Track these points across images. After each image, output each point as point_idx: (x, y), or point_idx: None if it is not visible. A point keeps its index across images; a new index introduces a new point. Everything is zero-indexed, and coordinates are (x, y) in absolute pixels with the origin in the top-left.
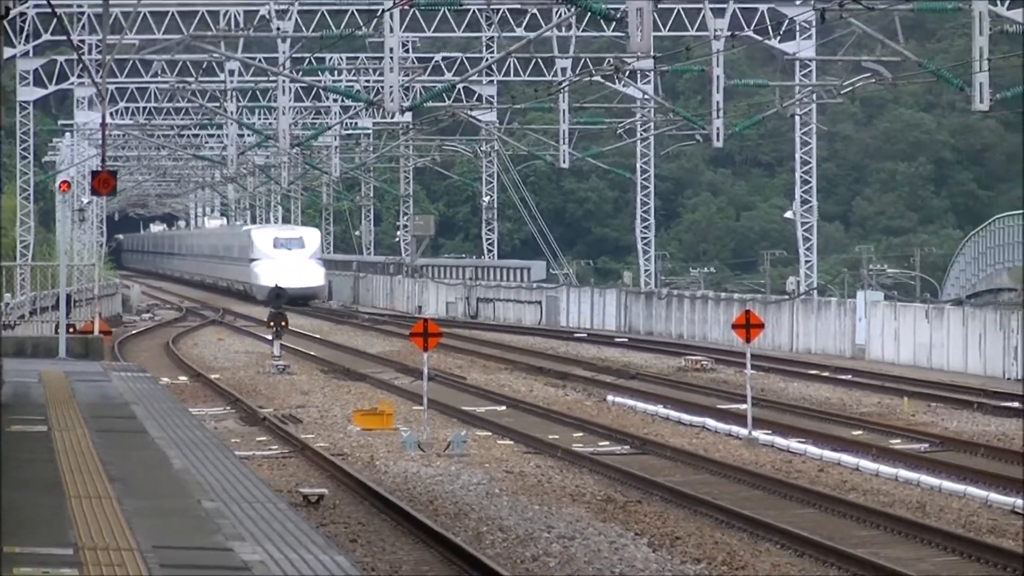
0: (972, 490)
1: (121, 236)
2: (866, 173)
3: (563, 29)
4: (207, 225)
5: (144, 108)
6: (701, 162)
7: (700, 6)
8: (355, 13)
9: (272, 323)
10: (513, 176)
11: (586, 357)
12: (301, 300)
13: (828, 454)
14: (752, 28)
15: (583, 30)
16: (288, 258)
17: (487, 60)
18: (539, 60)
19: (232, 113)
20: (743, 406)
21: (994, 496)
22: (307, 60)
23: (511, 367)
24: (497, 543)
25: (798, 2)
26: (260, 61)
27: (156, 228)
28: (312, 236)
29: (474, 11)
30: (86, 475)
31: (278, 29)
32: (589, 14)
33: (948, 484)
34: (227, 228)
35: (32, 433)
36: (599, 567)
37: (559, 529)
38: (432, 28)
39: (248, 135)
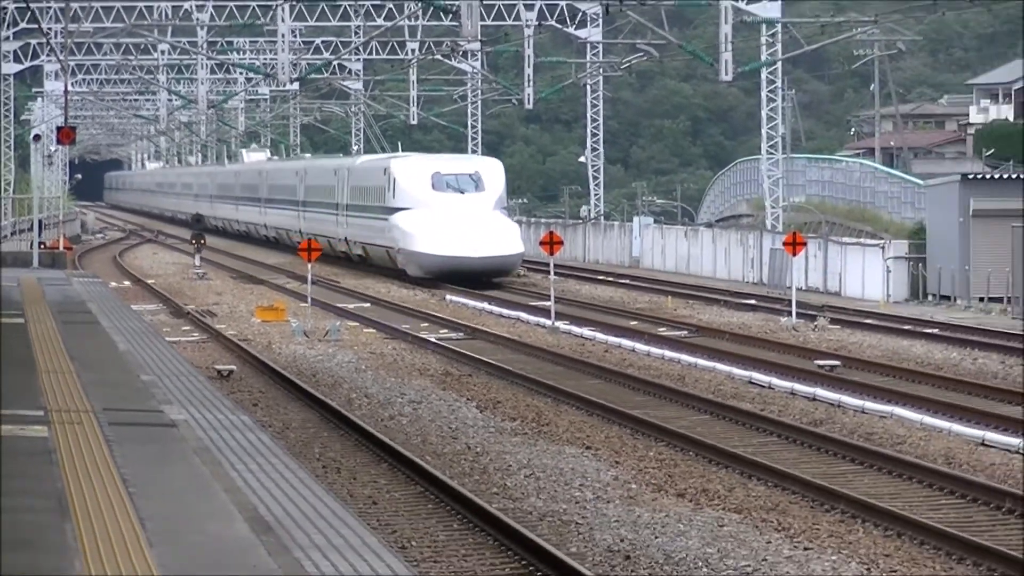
0: (719, 366)
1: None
2: (640, 128)
3: (413, 19)
4: (249, 159)
5: (97, 79)
6: (516, 120)
7: (515, 1)
8: (256, 8)
9: (194, 241)
10: (375, 130)
11: None
12: (482, 276)
13: (612, 339)
14: (554, 18)
15: (428, 20)
16: (460, 207)
17: (355, 43)
18: (394, 43)
19: (163, 83)
20: (548, 303)
21: (735, 370)
22: (219, 43)
23: (375, 274)
24: (363, 406)
25: None
26: (184, 43)
27: (153, 165)
28: (493, 171)
29: (345, 6)
30: (53, 355)
31: (197, 19)
32: (432, 8)
33: (701, 361)
34: (325, 159)
35: (12, 324)
36: (440, 423)
37: (410, 395)
38: (314, 18)
39: (175, 99)
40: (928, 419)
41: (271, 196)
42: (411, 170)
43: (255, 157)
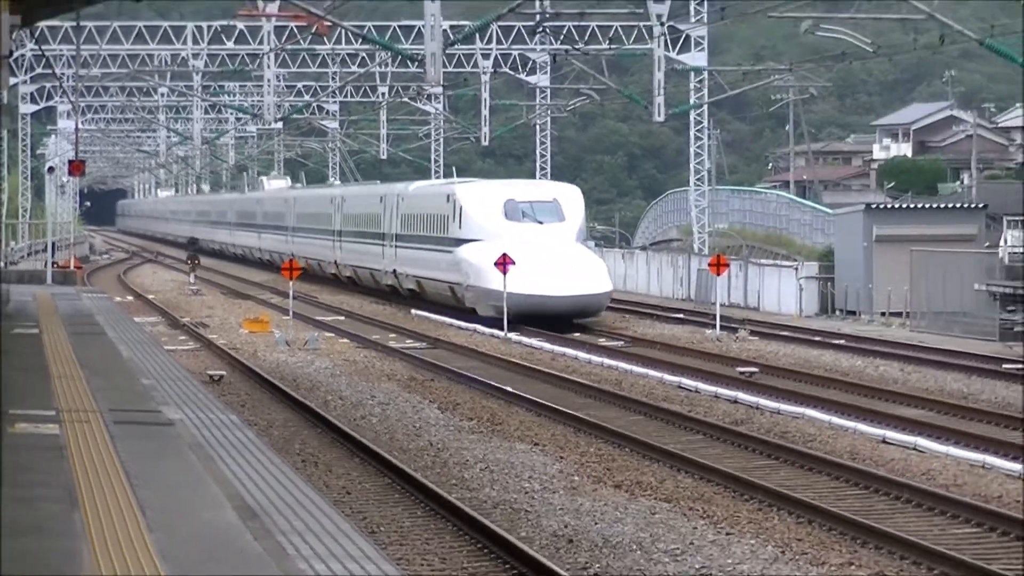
0: (652, 372)
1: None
2: (583, 163)
3: (383, 67)
4: (269, 186)
5: (104, 118)
6: (474, 155)
7: (473, 51)
8: (244, 56)
9: (189, 261)
10: (349, 164)
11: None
12: (567, 317)
13: (558, 348)
14: (508, 66)
15: (396, 67)
16: (539, 239)
17: (332, 87)
18: (367, 87)
19: (162, 121)
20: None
21: (666, 376)
22: (212, 87)
23: (349, 291)
24: (338, 407)
25: (538, 48)
26: (181, 87)
27: (165, 193)
28: (572, 198)
29: (323, 55)
30: (64, 362)
31: (193, 66)
32: (400, 57)
33: (636, 368)
34: (368, 186)
35: (28, 335)
36: (405, 422)
37: (379, 398)
38: (296, 65)
39: (173, 136)
40: (835, 419)
41: (300, 224)
42: (481, 197)
43: (276, 184)
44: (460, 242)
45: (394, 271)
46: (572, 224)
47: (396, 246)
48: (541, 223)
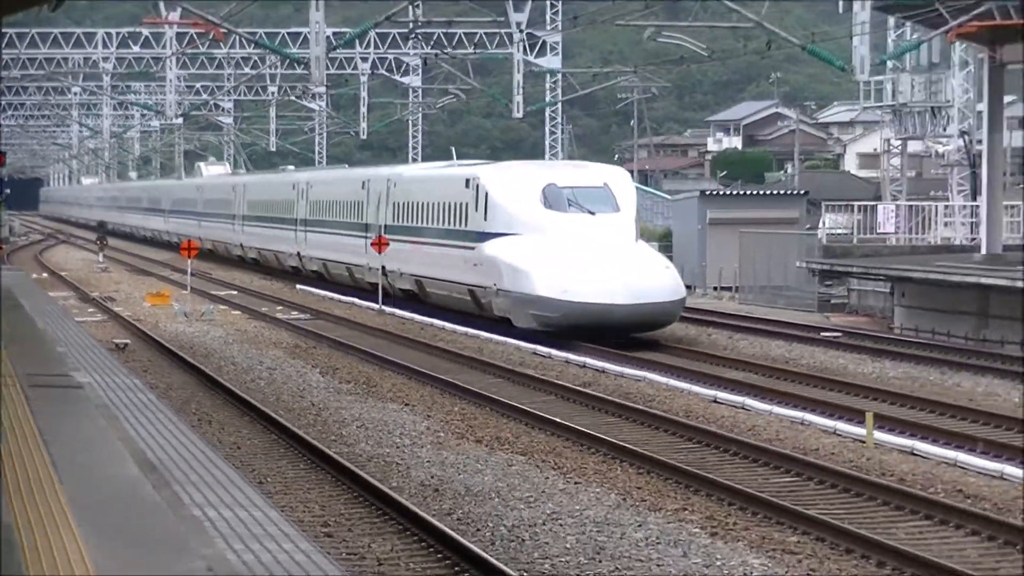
0: (509, 340)
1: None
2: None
3: (273, 69)
4: (208, 172)
5: (23, 114)
6: (353, 148)
7: (353, 54)
8: (149, 59)
9: (98, 241)
10: (243, 156)
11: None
12: (631, 330)
13: (426, 319)
14: (384, 68)
15: (284, 69)
16: (591, 233)
17: (227, 86)
18: (258, 87)
19: (75, 117)
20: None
21: (522, 344)
22: (120, 86)
23: (243, 268)
24: (230, 372)
25: (411, 52)
26: (92, 87)
27: (89, 180)
28: (623, 183)
29: (220, 58)
30: None
31: (103, 68)
32: (288, 60)
33: (496, 336)
34: (340, 170)
35: None
36: (290, 385)
37: (267, 363)
38: (195, 67)
39: (84, 131)
40: (672, 381)
41: (254, 213)
42: (513, 182)
43: (215, 171)
44: (485, 236)
45: (383, 268)
46: (628, 215)
47: (389, 240)
48: (592, 213)
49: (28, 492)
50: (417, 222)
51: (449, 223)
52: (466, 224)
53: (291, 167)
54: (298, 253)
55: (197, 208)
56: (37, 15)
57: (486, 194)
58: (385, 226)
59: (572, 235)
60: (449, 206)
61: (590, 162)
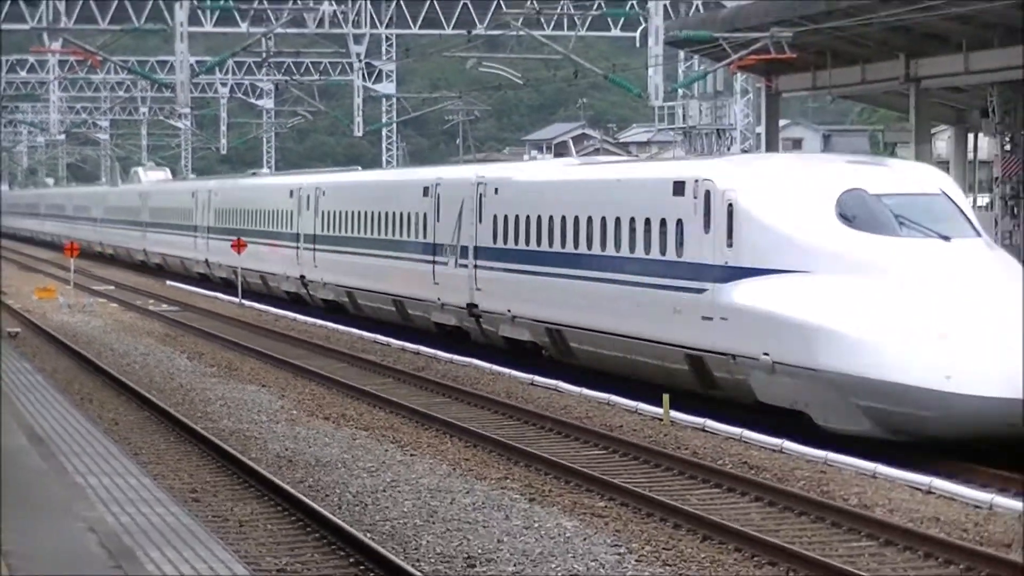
0: (353, 330)
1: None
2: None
3: (144, 91)
4: (147, 178)
5: None
6: (215, 161)
7: (214, 79)
8: (35, 83)
9: None
10: (118, 167)
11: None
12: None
13: (280, 311)
14: (241, 92)
15: (154, 92)
16: (953, 268)
17: (104, 107)
18: (131, 107)
19: None
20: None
21: (364, 333)
22: (9, 107)
23: (121, 267)
24: (109, 357)
25: (264, 78)
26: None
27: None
28: (953, 186)
29: (97, 82)
30: None
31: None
32: (157, 84)
33: (340, 327)
34: (413, 170)
35: None
36: (162, 369)
37: (141, 349)
38: (75, 89)
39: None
40: (496, 367)
41: (223, 224)
42: (785, 187)
43: (154, 176)
44: (728, 273)
45: (471, 305)
46: (989, 242)
47: (478, 266)
48: (947, 239)
49: None
50: (554, 245)
51: (639, 248)
52: (680, 251)
53: (265, 170)
54: (302, 277)
55: (141, 218)
56: None
57: (730, 205)
58: (476, 248)
59: (919, 276)
60: (639, 223)
61: (900, 159)
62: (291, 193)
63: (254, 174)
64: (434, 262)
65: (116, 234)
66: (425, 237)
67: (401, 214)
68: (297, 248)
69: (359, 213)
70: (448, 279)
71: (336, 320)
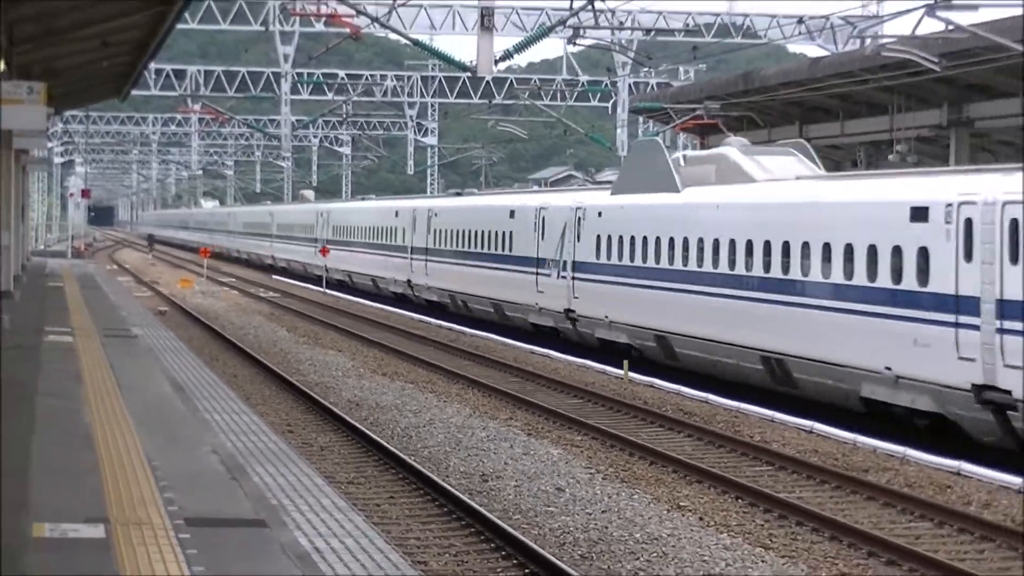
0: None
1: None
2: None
3: (257, 140)
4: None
5: (102, 167)
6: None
7: (308, 133)
8: (181, 134)
9: (149, 243)
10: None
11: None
12: None
13: (353, 299)
14: (327, 142)
15: (265, 141)
16: None
17: (229, 151)
18: (248, 152)
19: (134, 169)
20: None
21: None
22: (162, 151)
23: (238, 265)
24: (230, 328)
25: (344, 132)
26: (144, 150)
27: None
28: None
29: (224, 134)
30: (75, 303)
31: (152, 138)
32: (267, 135)
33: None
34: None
35: (56, 286)
36: (268, 337)
37: (253, 323)
38: (209, 139)
39: (141, 177)
40: (508, 340)
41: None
42: None
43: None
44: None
45: (567, 310)
46: None
47: (576, 277)
48: None
49: (99, 402)
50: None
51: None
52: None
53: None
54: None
55: (270, 231)
56: (113, 103)
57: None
58: (576, 262)
59: None
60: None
61: None
62: (397, 213)
63: (363, 199)
64: (537, 273)
65: (250, 243)
66: (530, 252)
67: (506, 232)
68: (409, 259)
69: (467, 232)
70: (549, 288)
71: (397, 306)
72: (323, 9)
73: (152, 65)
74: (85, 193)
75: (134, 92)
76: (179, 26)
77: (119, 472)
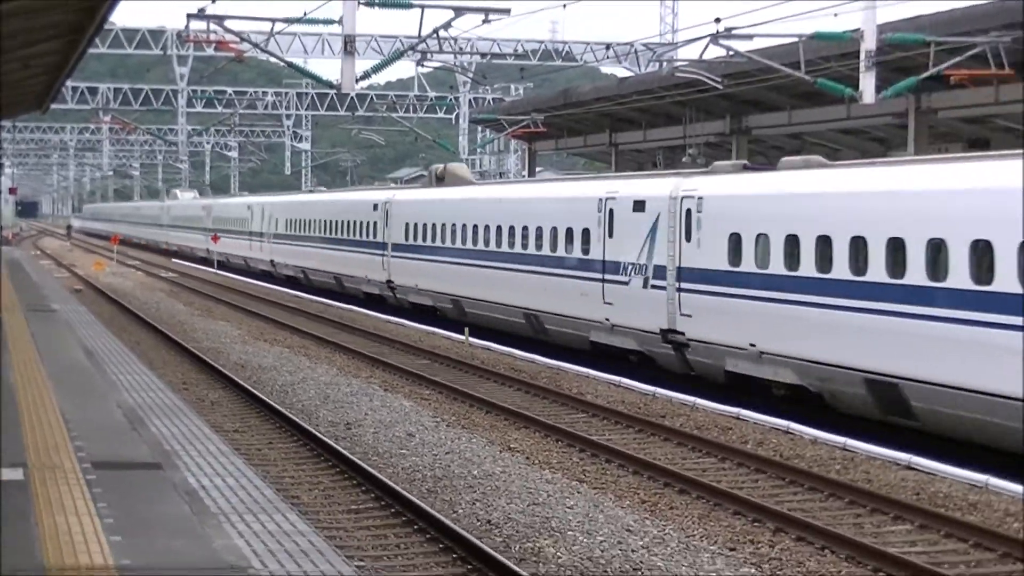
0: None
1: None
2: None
3: (159, 146)
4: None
5: (27, 168)
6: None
7: (202, 139)
8: (94, 142)
9: (68, 232)
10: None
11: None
12: None
13: (238, 278)
14: (217, 148)
15: (166, 147)
16: None
17: (136, 155)
18: (148, 157)
19: (55, 170)
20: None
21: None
22: (78, 155)
23: (142, 251)
24: (135, 303)
25: (232, 140)
26: (62, 154)
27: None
28: None
29: (132, 141)
30: (7, 282)
31: (69, 144)
32: (167, 142)
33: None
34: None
35: None
36: (168, 310)
37: (155, 298)
38: (119, 145)
39: (61, 178)
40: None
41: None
42: None
43: (184, 196)
44: None
45: (668, 331)
46: None
47: (682, 289)
48: None
49: (21, 365)
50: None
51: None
52: None
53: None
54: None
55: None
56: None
57: None
58: (681, 268)
59: None
60: None
61: None
62: (375, 207)
63: (311, 191)
64: (604, 280)
65: (180, 236)
66: (590, 253)
67: (548, 228)
68: (383, 256)
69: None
70: (627, 300)
71: (291, 287)
72: (213, 36)
73: (69, 83)
74: (12, 190)
75: (53, 106)
76: (91, 51)
77: (37, 425)
